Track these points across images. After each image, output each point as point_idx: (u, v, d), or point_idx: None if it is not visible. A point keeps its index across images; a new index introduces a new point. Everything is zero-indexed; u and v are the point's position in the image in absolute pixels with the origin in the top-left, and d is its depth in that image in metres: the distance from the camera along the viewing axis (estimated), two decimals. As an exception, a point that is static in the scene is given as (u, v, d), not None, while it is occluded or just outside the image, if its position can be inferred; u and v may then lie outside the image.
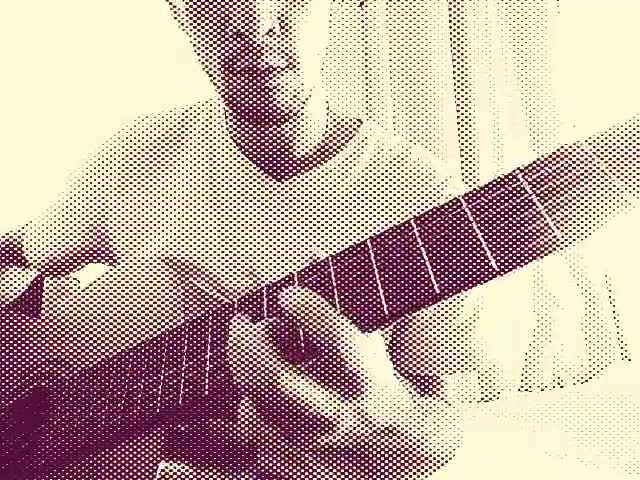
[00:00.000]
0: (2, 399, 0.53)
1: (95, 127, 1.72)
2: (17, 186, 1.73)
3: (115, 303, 0.51)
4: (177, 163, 0.62)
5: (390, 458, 0.36)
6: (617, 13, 2.00)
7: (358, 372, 0.29)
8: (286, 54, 0.48)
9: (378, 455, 0.35)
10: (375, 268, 0.31)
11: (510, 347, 2.08)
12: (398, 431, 0.35)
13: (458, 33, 2.08)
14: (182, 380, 0.37)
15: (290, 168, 0.59)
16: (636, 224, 0.26)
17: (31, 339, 0.55)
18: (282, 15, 0.47)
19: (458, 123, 2.08)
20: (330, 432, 0.29)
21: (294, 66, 0.48)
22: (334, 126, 0.62)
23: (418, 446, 0.39)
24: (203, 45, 0.49)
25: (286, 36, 0.47)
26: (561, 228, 0.26)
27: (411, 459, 0.39)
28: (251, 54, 0.46)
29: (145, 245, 0.61)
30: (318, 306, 0.29)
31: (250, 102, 0.49)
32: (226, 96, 0.51)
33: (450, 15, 2.09)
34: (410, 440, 0.37)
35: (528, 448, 1.69)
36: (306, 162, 0.60)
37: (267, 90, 0.48)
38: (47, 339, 0.54)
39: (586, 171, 0.27)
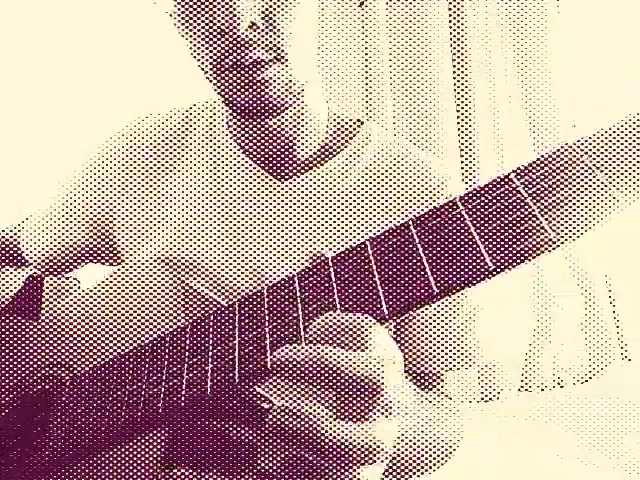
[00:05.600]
0: (2, 401, 0.53)
1: (96, 127, 1.72)
2: (17, 186, 1.73)
3: (115, 305, 0.51)
4: (180, 163, 0.62)
5: None
6: (617, 12, 2.00)
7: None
8: (272, 47, 0.49)
9: None
10: (374, 268, 0.32)
11: (510, 347, 2.08)
12: None
13: (458, 33, 2.08)
14: (184, 380, 0.37)
15: (292, 168, 0.60)
16: (636, 224, 0.27)
17: (31, 341, 0.55)
18: (266, 9, 0.48)
19: (458, 123, 2.09)
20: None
21: (281, 58, 0.50)
22: (334, 126, 0.63)
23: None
24: (195, 45, 0.51)
25: (271, 30, 0.48)
26: (554, 227, 0.27)
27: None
28: (237, 50, 0.48)
29: (148, 245, 0.61)
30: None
31: (242, 96, 0.51)
32: (220, 93, 0.53)
33: (450, 15, 2.09)
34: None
35: (529, 448, 1.70)
36: (307, 162, 0.60)
37: (256, 83, 0.49)
38: (47, 341, 0.54)
39: (577, 172, 0.28)
